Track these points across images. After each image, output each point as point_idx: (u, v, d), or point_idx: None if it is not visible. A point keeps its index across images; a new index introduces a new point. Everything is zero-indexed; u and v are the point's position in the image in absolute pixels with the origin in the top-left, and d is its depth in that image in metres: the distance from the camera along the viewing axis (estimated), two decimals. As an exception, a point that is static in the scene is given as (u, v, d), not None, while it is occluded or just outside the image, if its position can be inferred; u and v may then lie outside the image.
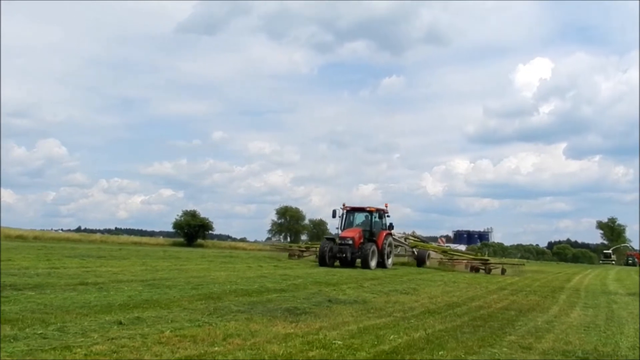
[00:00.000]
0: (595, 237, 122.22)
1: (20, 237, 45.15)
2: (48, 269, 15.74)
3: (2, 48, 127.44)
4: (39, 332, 7.09)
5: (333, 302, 11.89)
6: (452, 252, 36.87)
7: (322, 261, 26.15)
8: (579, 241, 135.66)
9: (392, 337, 8.32)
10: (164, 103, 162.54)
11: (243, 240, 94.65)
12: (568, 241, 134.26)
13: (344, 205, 28.44)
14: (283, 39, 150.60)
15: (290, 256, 33.80)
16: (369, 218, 28.29)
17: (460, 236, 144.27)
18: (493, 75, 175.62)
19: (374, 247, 26.27)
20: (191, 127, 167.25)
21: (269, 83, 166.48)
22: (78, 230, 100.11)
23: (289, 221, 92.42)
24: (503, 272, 30.08)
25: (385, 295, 14.12)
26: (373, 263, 25.93)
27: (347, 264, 25.88)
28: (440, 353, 7.43)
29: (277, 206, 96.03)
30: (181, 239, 59.93)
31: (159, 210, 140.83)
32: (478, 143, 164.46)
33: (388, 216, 29.39)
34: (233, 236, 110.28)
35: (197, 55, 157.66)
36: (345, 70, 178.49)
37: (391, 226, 29.17)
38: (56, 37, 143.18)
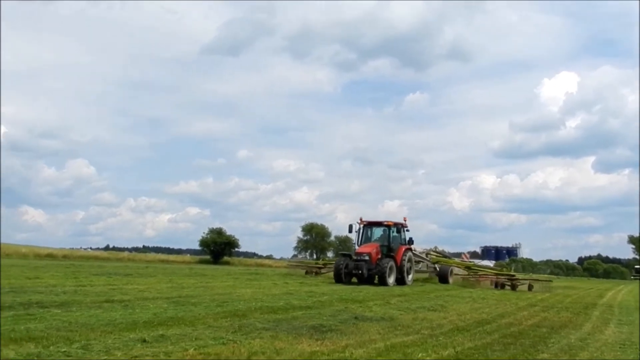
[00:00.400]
0: (627, 252, 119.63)
1: (50, 256, 45.78)
2: (75, 287, 15.82)
3: (31, 70, 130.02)
4: (63, 349, 7.05)
5: (359, 319, 11.69)
6: (476, 268, 34.72)
7: (338, 278, 25.23)
8: (610, 256, 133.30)
9: (420, 355, 8.11)
10: (189, 123, 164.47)
11: (269, 257, 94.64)
12: (599, 256, 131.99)
13: (360, 219, 27.62)
14: (306, 58, 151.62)
15: (307, 273, 32.62)
16: (387, 233, 27.24)
17: (488, 252, 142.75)
18: (518, 90, 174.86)
19: (391, 262, 25.18)
20: (216, 146, 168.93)
21: (293, 101, 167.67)
22: (107, 248, 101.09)
23: (315, 238, 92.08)
24: (530, 288, 28.46)
25: (412, 312, 13.86)
26: (391, 280, 24.88)
27: (364, 280, 24.82)
28: (470, 372, 7.20)
29: (303, 223, 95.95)
30: (207, 257, 60.13)
31: (185, 228, 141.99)
32: (504, 158, 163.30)
33: (407, 230, 28.39)
34: (259, 253, 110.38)
35: (222, 76, 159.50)
36: (368, 88, 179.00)
37: (411, 241, 28.10)
38: (84, 59, 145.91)
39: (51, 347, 7.15)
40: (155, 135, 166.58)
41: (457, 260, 36.98)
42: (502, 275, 31.15)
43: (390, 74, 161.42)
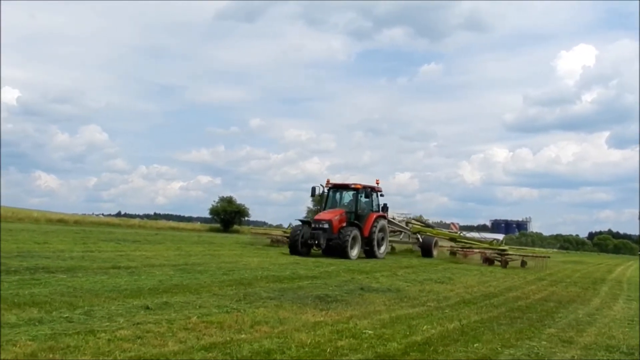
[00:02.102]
0: (637, 228, 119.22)
1: (61, 221, 46.10)
2: (82, 253, 15.88)
3: (45, 36, 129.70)
4: (65, 315, 7.01)
5: (365, 290, 11.63)
6: (462, 240, 30.23)
7: (293, 248, 21.71)
8: (621, 232, 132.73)
9: (425, 327, 8.03)
10: (203, 90, 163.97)
11: (279, 227, 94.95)
12: (609, 232, 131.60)
13: (327, 181, 24.23)
14: (321, 25, 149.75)
15: (273, 242, 28.97)
16: (355, 198, 23.76)
17: (497, 225, 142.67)
18: (534, 62, 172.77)
19: (355, 232, 21.68)
20: (229, 115, 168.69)
21: (307, 70, 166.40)
22: (118, 215, 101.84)
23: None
24: (523, 264, 24.56)
25: (419, 284, 13.80)
26: (354, 252, 21.53)
27: (327, 252, 21.64)
28: (475, 345, 7.11)
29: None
30: (217, 225, 60.34)
31: (196, 196, 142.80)
32: (517, 131, 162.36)
33: (381, 195, 24.92)
34: (269, 223, 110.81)
35: (236, 43, 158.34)
36: (383, 58, 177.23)
37: (385, 207, 24.82)
38: (98, 26, 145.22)
39: (54, 313, 7.12)
40: (168, 103, 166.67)
41: (443, 230, 32.71)
42: (492, 249, 26.94)
43: (405, 43, 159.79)
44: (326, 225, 21.60)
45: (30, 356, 5.22)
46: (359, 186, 23.52)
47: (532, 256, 26.43)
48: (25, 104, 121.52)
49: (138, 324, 6.81)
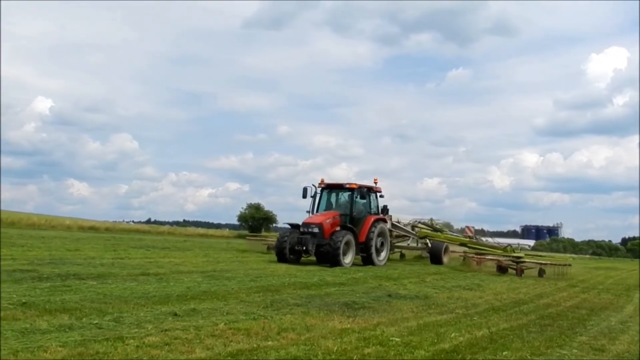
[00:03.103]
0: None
1: (93, 229, 46.79)
2: (113, 260, 16.09)
3: (77, 46, 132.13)
4: (95, 322, 7.11)
5: (393, 297, 11.57)
6: (474, 246, 27.08)
7: (281, 256, 19.62)
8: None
9: (453, 334, 7.95)
10: (231, 97, 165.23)
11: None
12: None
13: (322, 181, 22.07)
14: (348, 32, 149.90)
15: (270, 249, 25.18)
16: (349, 199, 21.64)
17: (528, 231, 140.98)
18: (564, 65, 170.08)
19: (349, 236, 19.61)
20: (257, 122, 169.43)
21: (334, 76, 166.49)
22: (148, 222, 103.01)
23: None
24: (541, 273, 21.63)
25: (447, 291, 13.68)
26: (347, 259, 19.52)
27: (321, 259, 19.57)
28: (504, 353, 7.01)
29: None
30: (246, 232, 60.66)
31: (225, 203, 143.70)
32: (547, 136, 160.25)
33: (381, 196, 22.82)
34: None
35: (263, 50, 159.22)
36: (410, 63, 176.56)
37: (385, 209, 22.89)
38: (128, 35, 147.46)
39: (84, 319, 7.22)
40: (196, 110, 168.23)
41: (453, 235, 29.06)
42: (506, 256, 23.93)
43: (432, 48, 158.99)
44: (316, 230, 19.68)
45: (61, 362, 5.29)
46: (354, 186, 21.39)
47: (551, 264, 22.75)
48: (58, 113, 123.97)
49: (166, 330, 6.87)
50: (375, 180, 22.55)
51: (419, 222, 28.60)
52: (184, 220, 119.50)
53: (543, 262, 23.44)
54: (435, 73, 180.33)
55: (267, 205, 68.73)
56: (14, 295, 8.59)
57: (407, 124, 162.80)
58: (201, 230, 67.57)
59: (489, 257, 23.80)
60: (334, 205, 21.83)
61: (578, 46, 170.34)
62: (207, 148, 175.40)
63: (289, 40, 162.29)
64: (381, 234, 21.52)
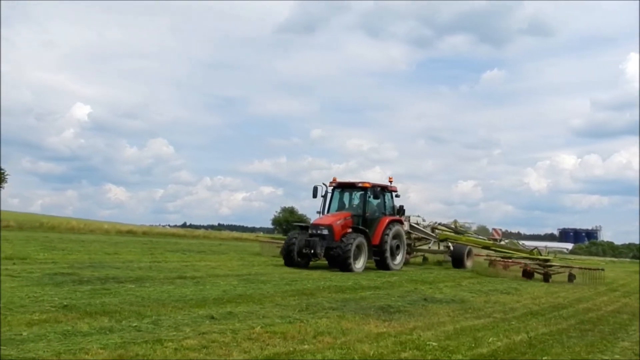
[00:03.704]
0: None
1: (130, 232, 47.53)
2: (150, 263, 16.34)
3: (114, 53, 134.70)
4: (134, 324, 7.22)
5: (429, 301, 11.49)
6: (500, 249, 24.76)
7: (288, 258, 18.70)
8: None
9: (491, 339, 7.85)
10: (264, 102, 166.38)
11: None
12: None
13: (334, 179, 20.81)
14: (380, 35, 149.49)
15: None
16: (361, 199, 20.49)
17: (566, 234, 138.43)
18: (602, 66, 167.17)
19: (360, 239, 18.40)
20: (290, 126, 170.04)
21: (367, 80, 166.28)
22: (184, 226, 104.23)
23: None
24: (571, 279, 19.81)
25: (484, 295, 13.52)
26: (359, 264, 18.31)
27: (331, 263, 18.55)
28: (544, 359, 6.90)
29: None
30: (280, 235, 60.90)
31: (259, 207, 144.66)
32: (585, 137, 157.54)
33: (397, 196, 21.48)
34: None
35: (296, 55, 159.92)
36: (444, 65, 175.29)
37: (401, 210, 21.54)
38: (163, 42, 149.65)
39: (123, 322, 7.35)
40: (231, 115, 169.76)
41: (475, 237, 26.69)
42: (532, 259, 22.13)
43: (467, 50, 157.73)
44: (325, 231, 18.42)
45: (102, 364, 5.39)
46: (367, 185, 20.02)
47: (581, 268, 20.82)
48: (96, 119, 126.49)
49: (203, 333, 6.94)
50: (390, 179, 21.43)
51: (439, 224, 27.12)
52: (219, 224, 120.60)
53: (573, 266, 21.57)
54: (470, 75, 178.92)
55: (301, 209, 68.78)
56: (56, 298, 8.79)
57: (441, 127, 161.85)
58: (236, 234, 68.14)
59: (515, 260, 21.99)
60: (346, 206, 20.66)
61: (616, 46, 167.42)
62: (241, 152, 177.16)
63: (322, 45, 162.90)
64: (397, 236, 20.36)
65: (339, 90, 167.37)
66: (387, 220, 19.95)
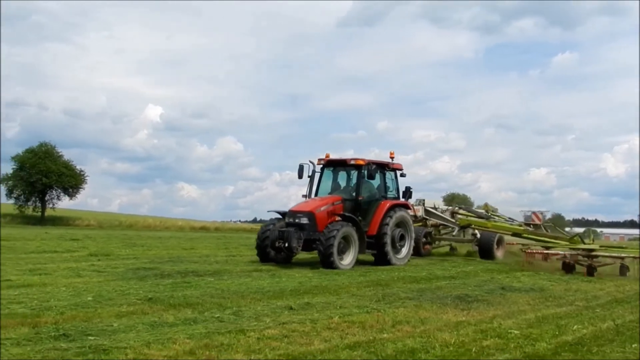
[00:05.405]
0: None
1: (203, 228, 48.91)
2: (226, 257, 16.78)
3: (182, 55, 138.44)
4: (216, 315, 7.44)
5: (507, 290, 11.25)
6: (531, 236, 20.79)
7: (263, 255, 15.40)
8: None
9: (575, 327, 7.64)
10: (329, 97, 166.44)
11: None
12: None
13: (327, 155, 16.98)
14: (444, 22, 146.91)
15: None
16: (354, 179, 16.52)
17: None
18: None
19: (347, 229, 14.77)
20: (356, 119, 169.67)
21: (432, 69, 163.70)
22: (254, 221, 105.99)
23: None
24: (623, 271, 15.57)
25: (564, 283, 13.13)
26: (346, 260, 14.79)
27: (323, 263, 14.40)
28: (633, 346, 6.64)
29: (444, 194, 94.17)
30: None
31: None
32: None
33: (402, 175, 17.77)
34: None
35: (359, 48, 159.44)
36: (513, 51, 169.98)
37: (407, 192, 17.72)
38: (229, 42, 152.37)
39: (206, 313, 7.59)
40: (297, 111, 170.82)
41: (503, 223, 22.06)
42: (573, 248, 17.82)
43: (536, 34, 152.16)
44: (305, 220, 14.95)
45: (189, 353, 5.58)
46: (361, 162, 16.00)
47: (635, 257, 15.80)
48: (168, 120, 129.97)
49: (283, 323, 7.07)
50: (391, 154, 17.45)
51: (460, 208, 23.94)
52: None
53: (626, 255, 16.39)
54: (540, 59, 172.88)
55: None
56: (141, 291, 9.17)
57: (510, 114, 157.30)
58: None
59: (544, 251, 17.66)
60: (340, 188, 16.83)
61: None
62: (309, 147, 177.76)
63: (385, 36, 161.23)
64: (401, 223, 16.69)
65: (403, 81, 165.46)
66: (387, 205, 16.29)
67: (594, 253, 16.66)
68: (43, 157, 46.50)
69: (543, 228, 22.72)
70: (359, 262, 15.23)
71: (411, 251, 17.35)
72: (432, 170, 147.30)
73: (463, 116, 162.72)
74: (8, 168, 48.42)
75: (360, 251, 15.35)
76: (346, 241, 14.76)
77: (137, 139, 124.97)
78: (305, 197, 16.58)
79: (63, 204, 50.49)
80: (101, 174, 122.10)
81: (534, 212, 25.53)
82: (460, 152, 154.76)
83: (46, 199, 48.21)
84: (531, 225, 22.48)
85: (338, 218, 15.07)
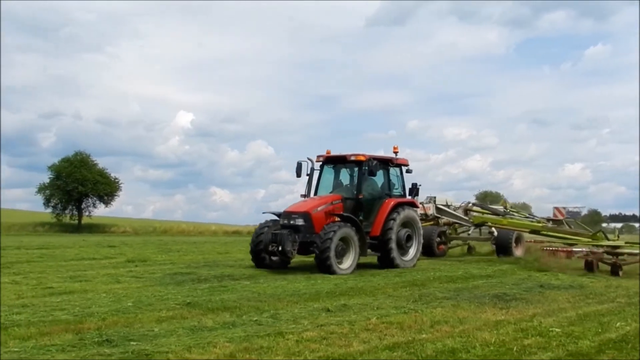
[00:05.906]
0: None
1: (237, 233, 49.18)
2: (260, 260, 16.75)
3: (212, 61, 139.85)
4: (254, 318, 7.49)
5: (545, 288, 11.11)
6: (549, 233, 18.76)
7: (257, 259, 14.33)
8: None
9: (618, 324, 7.51)
10: (359, 96, 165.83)
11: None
12: None
13: (327, 152, 15.90)
14: (474, 18, 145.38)
15: None
16: (358, 176, 15.18)
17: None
18: None
19: (346, 230, 13.64)
20: (386, 119, 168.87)
21: (462, 66, 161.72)
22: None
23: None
24: None
25: (604, 280, 12.89)
26: (345, 263, 13.67)
27: (319, 267, 13.41)
28: (680, 342, 6.50)
29: (477, 192, 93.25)
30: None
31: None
32: None
33: (408, 171, 16.54)
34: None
35: (388, 47, 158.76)
36: (543, 44, 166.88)
37: (414, 189, 16.55)
38: (257, 46, 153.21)
39: (244, 316, 7.64)
40: (327, 112, 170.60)
41: (520, 220, 20.37)
42: (596, 245, 16.03)
43: (567, 26, 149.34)
44: (300, 221, 13.94)
45: (230, 357, 5.62)
46: (361, 158, 14.89)
47: None
48: (199, 126, 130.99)
49: (321, 325, 7.08)
50: (395, 149, 16.17)
51: (473, 204, 22.13)
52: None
53: None
54: (572, 52, 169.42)
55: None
56: (179, 296, 9.25)
57: (543, 109, 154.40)
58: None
59: (567, 249, 16.81)
60: (341, 186, 15.77)
61: None
62: (338, 148, 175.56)
63: (414, 35, 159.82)
64: (408, 223, 15.58)
65: (433, 79, 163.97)
66: (392, 204, 15.18)
67: (618, 250, 15.37)
68: (79, 166, 47.47)
69: (565, 224, 21.63)
70: (361, 265, 14.42)
71: (419, 252, 16.15)
72: (464, 168, 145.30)
73: (494, 113, 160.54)
74: (45, 178, 49.41)
75: (362, 254, 14.29)
76: (345, 243, 13.76)
77: (169, 146, 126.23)
78: (305, 197, 15.67)
79: (99, 211, 51.53)
80: (135, 181, 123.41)
81: (555, 207, 24.66)
82: (493, 149, 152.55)
83: (82, 206, 49.18)
84: (551, 222, 21.34)
85: (337, 218, 14.09)
